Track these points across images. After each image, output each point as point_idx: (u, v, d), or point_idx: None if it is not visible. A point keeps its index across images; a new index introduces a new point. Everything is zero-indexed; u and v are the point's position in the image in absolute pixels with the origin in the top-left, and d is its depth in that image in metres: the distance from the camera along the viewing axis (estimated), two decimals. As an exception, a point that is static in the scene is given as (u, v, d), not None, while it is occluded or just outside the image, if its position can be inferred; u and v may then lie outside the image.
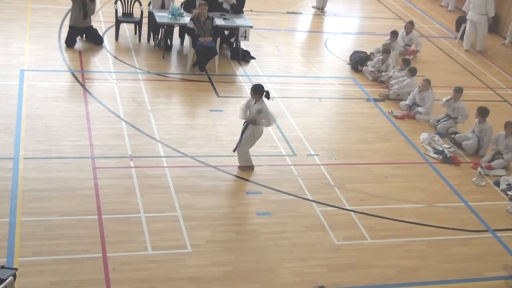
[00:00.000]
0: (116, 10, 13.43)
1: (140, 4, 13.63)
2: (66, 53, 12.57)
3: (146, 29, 13.66)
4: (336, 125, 11.56)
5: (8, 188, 8.44)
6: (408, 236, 8.73)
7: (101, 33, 13.45)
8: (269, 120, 9.27)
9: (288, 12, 16.96)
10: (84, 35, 13.17)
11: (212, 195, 8.93)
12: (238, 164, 9.56)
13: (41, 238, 7.64)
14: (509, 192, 9.90)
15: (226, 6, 13.87)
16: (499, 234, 9.07)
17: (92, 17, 13.21)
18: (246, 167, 9.49)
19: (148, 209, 8.44)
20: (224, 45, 13.80)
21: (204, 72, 12.66)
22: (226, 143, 10.14)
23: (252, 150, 9.53)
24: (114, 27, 13.51)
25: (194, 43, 12.41)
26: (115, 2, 13.56)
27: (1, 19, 13.67)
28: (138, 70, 12.33)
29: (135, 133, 10.15)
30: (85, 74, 11.85)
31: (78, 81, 11.55)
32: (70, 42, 12.83)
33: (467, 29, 15.98)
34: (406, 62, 13.23)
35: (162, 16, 13.05)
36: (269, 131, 10.36)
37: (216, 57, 12.66)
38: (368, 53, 14.09)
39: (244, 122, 9.27)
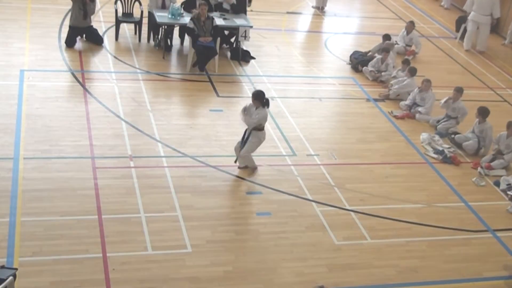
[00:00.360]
0: (116, 10, 13.43)
1: (140, 4, 13.63)
2: (66, 53, 12.57)
3: (146, 29, 13.67)
4: (336, 125, 11.56)
5: (8, 188, 8.44)
6: (408, 236, 8.73)
7: (101, 33, 13.45)
8: (254, 123, 9.06)
9: (288, 12, 16.96)
10: (84, 35, 13.17)
11: (212, 195, 8.93)
12: (238, 163, 9.56)
13: (41, 238, 7.64)
14: (509, 192, 9.90)
15: (226, 6, 13.88)
16: (499, 234, 9.07)
17: (92, 17, 13.21)
18: (251, 169, 9.44)
19: (148, 209, 8.44)
20: (224, 45, 13.81)
21: (204, 72, 12.66)
22: (226, 143, 10.15)
23: (252, 150, 9.54)
24: (114, 27, 13.52)
25: (194, 43, 12.41)
26: (115, 2, 13.56)
27: (1, 19, 13.67)
28: (138, 70, 12.33)
29: (135, 133, 10.15)
30: (85, 74, 11.85)
31: (78, 81, 11.55)
32: (70, 42, 12.83)
33: (468, 29, 15.97)
34: (406, 63, 13.23)
35: (162, 16, 13.05)
36: (269, 131, 10.35)
37: (216, 57, 12.66)
38: (366, 52, 14.11)
39: (246, 128, 9.20)
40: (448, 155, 10.80)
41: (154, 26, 13.33)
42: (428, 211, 9.38)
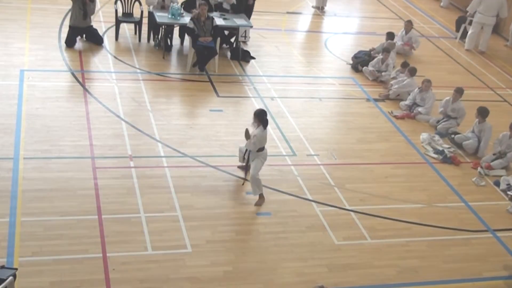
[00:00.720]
0: (116, 10, 13.43)
1: (140, 4, 13.63)
2: (66, 53, 12.57)
3: (146, 29, 13.67)
4: (336, 125, 11.56)
5: (8, 188, 8.44)
6: (408, 236, 8.73)
7: (101, 33, 13.45)
8: (254, 147, 8.78)
9: (288, 12, 16.96)
10: (84, 35, 13.17)
11: (212, 195, 8.92)
12: (237, 164, 9.55)
13: (41, 238, 7.64)
14: (509, 192, 9.90)
15: (226, 6, 13.88)
16: (499, 234, 9.07)
17: (92, 17, 13.21)
18: (260, 199, 8.90)
19: (148, 209, 8.44)
20: (224, 45, 13.81)
21: (204, 72, 12.66)
22: (226, 143, 10.15)
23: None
24: (114, 27, 13.52)
25: (194, 43, 12.41)
26: (115, 2, 13.56)
27: (1, 19, 13.67)
28: (138, 70, 12.33)
29: (135, 133, 10.15)
30: (85, 74, 11.85)
31: (78, 81, 11.55)
32: (70, 42, 12.83)
33: (472, 30, 15.90)
34: (405, 65, 13.22)
35: (162, 16, 13.05)
36: (269, 131, 10.33)
37: (216, 57, 12.66)
38: (369, 50, 14.11)
39: (246, 150, 9.00)
40: (448, 155, 10.80)
41: (154, 26, 13.33)
42: (428, 211, 9.38)
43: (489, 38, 16.14)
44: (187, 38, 13.14)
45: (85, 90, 11.26)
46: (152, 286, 7.20)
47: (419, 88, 12.26)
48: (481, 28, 15.90)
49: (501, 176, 10.44)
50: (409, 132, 11.54)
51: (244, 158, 9.13)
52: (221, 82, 12.37)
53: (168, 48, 13.30)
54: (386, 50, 13.52)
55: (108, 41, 13.43)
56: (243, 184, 9.26)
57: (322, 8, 17.52)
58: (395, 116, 12.01)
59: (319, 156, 10.30)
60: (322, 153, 10.37)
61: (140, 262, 7.51)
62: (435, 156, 10.84)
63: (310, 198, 9.20)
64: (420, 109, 12.06)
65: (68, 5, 13.35)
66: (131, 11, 13.68)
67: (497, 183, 10.31)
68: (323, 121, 11.54)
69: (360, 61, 13.84)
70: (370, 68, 13.47)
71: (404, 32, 15.08)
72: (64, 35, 13.08)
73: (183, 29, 13.30)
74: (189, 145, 10.03)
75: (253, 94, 12.07)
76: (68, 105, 10.72)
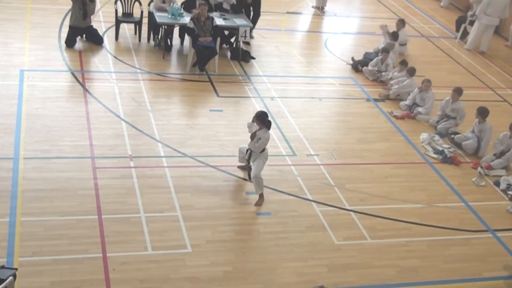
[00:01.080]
0: (116, 10, 13.43)
1: (140, 4, 13.63)
2: (66, 53, 12.57)
3: (146, 29, 13.67)
4: (336, 125, 11.56)
5: (8, 188, 8.44)
6: (408, 236, 8.73)
7: (101, 33, 13.45)
8: (258, 149, 8.80)
9: (288, 12, 16.96)
10: (84, 35, 13.17)
11: (212, 195, 8.92)
12: (237, 164, 9.55)
13: (41, 238, 7.64)
14: (509, 192, 9.91)
15: (226, 6, 13.88)
16: (499, 234, 9.07)
17: (92, 17, 13.21)
18: (260, 199, 8.90)
19: (148, 209, 8.44)
20: (224, 45, 13.81)
21: (204, 72, 12.66)
22: (226, 143, 10.15)
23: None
24: (114, 27, 13.52)
25: (194, 43, 12.41)
26: (115, 2, 13.56)
27: (1, 19, 13.67)
28: (138, 70, 12.33)
29: (135, 133, 10.15)
30: (85, 74, 11.85)
31: (78, 81, 11.55)
32: (70, 42, 12.83)
33: (477, 31, 15.80)
34: (403, 64, 13.21)
35: (162, 16, 13.05)
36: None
37: (216, 57, 12.66)
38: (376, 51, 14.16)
39: (247, 150, 9.03)
40: (448, 155, 10.80)
41: (154, 26, 13.33)
42: (428, 211, 9.38)
43: (491, 39, 16.15)
44: (187, 38, 13.14)
45: (85, 90, 11.26)
46: (152, 286, 7.20)
47: (419, 88, 12.26)
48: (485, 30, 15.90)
49: (501, 176, 10.44)
50: (409, 132, 11.54)
51: (245, 159, 9.13)
52: (221, 82, 12.38)
53: (168, 48, 13.29)
54: (385, 50, 13.53)
55: (108, 41, 13.43)
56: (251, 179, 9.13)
57: (322, 8, 17.52)
58: (395, 116, 12.01)
59: (319, 156, 10.30)
60: (322, 153, 10.37)
61: (140, 262, 7.51)
62: (435, 156, 10.84)
63: (310, 198, 9.20)
64: (420, 109, 12.07)
65: (68, 5, 13.35)
66: (131, 11, 13.68)
67: (497, 183, 10.31)
68: (323, 121, 11.54)
69: (360, 61, 13.84)
70: (370, 68, 13.48)
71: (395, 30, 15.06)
72: (64, 35, 13.08)
73: (183, 29, 13.30)
74: (189, 145, 10.03)
75: (253, 94, 12.07)
76: (68, 105, 10.72)
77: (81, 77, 11.70)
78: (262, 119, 8.77)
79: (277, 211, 8.80)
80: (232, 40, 13.83)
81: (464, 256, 8.50)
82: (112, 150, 9.61)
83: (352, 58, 14.08)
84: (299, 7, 17.60)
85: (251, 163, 9.02)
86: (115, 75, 11.98)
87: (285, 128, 10.95)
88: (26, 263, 7.21)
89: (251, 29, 14.00)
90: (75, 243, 7.64)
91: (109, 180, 8.91)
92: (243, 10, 14.09)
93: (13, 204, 8.14)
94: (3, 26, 13.35)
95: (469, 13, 16.56)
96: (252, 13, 14.39)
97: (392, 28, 14.82)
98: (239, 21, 13.43)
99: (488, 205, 9.76)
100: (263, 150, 8.86)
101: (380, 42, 14.81)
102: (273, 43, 14.62)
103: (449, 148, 11.06)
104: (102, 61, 12.49)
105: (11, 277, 6.17)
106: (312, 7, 17.58)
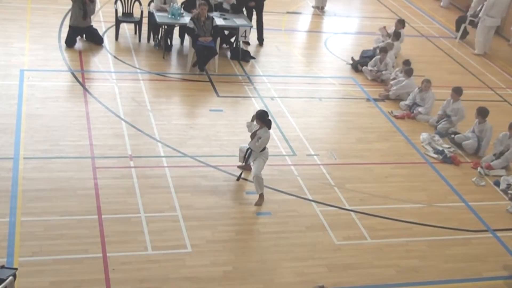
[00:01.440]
0: (116, 10, 13.43)
1: (140, 4, 13.63)
2: (66, 53, 12.57)
3: (146, 29, 13.67)
4: (336, 125, 11.56)
5: (8, 188, 8.44)
6: (408, 236, 8.73)
7: (101, 33, 13.45)
8: (258, 148, 8.81)
9: (288, 12, 16.97)
10: (84, 35, 13.18)
11: (212, 195, 8.93)
12: (237, 164, 9.54)
13: (41, 238, 7.64)
14: (509, 191, 9.91)
15: (226, 6, 13.88)
16: (499, 234, 9.07)
17: (92, 17, 13.21)
18: (260, 198, 8.91)
19: (148, 209, 8.44)
20: (224, 45, 13.81)
21: (204, 72, 12.66)
22: (226, 143, 10.15)
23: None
24: (114, 27, 13.52)
25: (194, 43, 12.41)
26: (115, 2, 13.56)
27: (1, 19, 13.68)
28: (138, 70, 12.33)
29: (135, 133, 10.15)
30: (85, 74, 11.85)
31: (78, 81, 11.55)
32: (70, 42, 12.83)
33: (484, 35, 15.73)
34: (406, 64, 13.18)
35: (162, 16, 13.05)
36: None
37: (216, 57, 12.66)
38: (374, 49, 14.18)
39: (248, 149, 9.04)
40: (448, 155, 10.80)
41: (154, 26, 13.33)
42: (428, 211, 9.38)
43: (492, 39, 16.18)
44: (187, 38, 13.14)
45: (85, 90, 11.26)
46: (152, 286, 7.20)
47: (419, 88, 12.26)
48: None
49: (501, 176, 10.44)
50: (409, 132, 11.54)
51: (244, 158, 9.14)
52: (221, 82, 12.38)
53: (168, 48, 13.30)
54: (383, 50, 13.52)
55: (108, 41, 13.44)
56: (238, 179, 9.24)
57: (322, 8, 17.52)
58: (395, 116, 12.01)
59: (319, 156, 10.30)
60: (322, 153, 10.37)
61: (140, 262, 7.51)
62: (435, 156, 10.84)
63: (310, 198, 9.20)
64: (420, 109, 12.06)
65: (68, 5, 13.35)
66: (131, 11, 13.68)
67: (497, 183, 10.31)
68: (323, 121, 11.54)
69: (360, 61, 13.84)
70: (369, 68, 13.48)
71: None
72: (64, 35, 13.09)
73: (183, 29, 13.30)
74: (189, 145, 10.03)
75: (253, 94, 12.08)
76: (68, 105, 10.72)
77: (81, 77, 11.70)
78: (263, 118, 8.79)
79: (277, 211, 8.80)
80: (232, 40, 13.84)
81: (464, 256, 8.50)
82: (112, 150, 9.61)
83: (352, 58, 14.09)
84: (299, 7, 17.60)
85: (251, 163, 9.03)
86: (115, 75, 11.99)
87: (285, 128, 10.95)
88: (26, 263, 7.21)
89: (260, 36, 14.09)
90: (75, 243, 7.64)
91: (109, 180, 8.91)
92: (243, 10, 14.11)
93: (13, 204, 8.14)
94: (3, 26, 13.35)
95: (469, 13, 16.57)
96: (256, 17, 14.34)
97: (392, 28, 14.82)
98: (239, 21, 13.44)
99: (488, 205, 9.76)
100: (264, 149, 8.87)
101: (379, 40, 14.82)
102: (273, 43, 14.62)
103: (449, 148, 11.06)
104: (102, 61, 12.49)
105: (11, 277, 6.17)
106: (312, 7, 17.58)
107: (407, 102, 12.32)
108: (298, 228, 8.53)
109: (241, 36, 13.29)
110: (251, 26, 13.53)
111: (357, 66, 13.78)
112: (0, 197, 8.24)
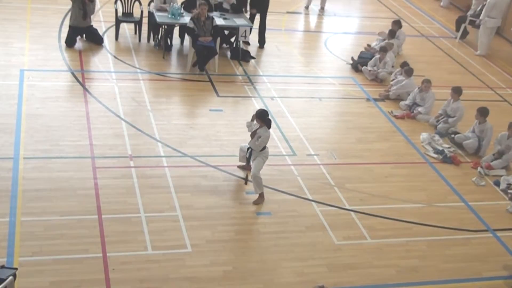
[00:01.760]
0: (116, 10, 13.43)
1: (140, 4, 13.63)
2: (66, 53, 12.58)
3: (146, 29, 13.67)
4: (336, 125, 11.56)
5: (8, 188, 8.44)
6: (408, 236, 8.73)
7: (101, 33, 13.45)
8: (258, 147, 8.79)
9: (288, 12, 16.97)
10: (84, 35, 13.18)
11: (212, 195, 8.93)
12: (237, 164, 9.54)
13: (41, 238, 7.64)
14: (509, 191, 9.90)
15: (226, 6, 13.88)
16: (499, 234, 9.07)
17: (92, 17, 13.21)
18: (260, 198, 8.92)
19: (148, 209, 8.44)
20: (224, 45, 13.81)
21: (204, 72, 12.67)
22: (226, 143, 10.15)
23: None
24: (114, 27, 13.52)
25: (194, 43, 12.41)
26: (115, 2, 13.56)
27: (1, 19, 13.68)
28: (138, 70, 12.33)
29: (135, 133, 10.15)
30: (85, 74, 11.85)
31: (78, 81, 11.55)
32: (70, 42, 12.83)
33: (486, 36, 15.74)
34: (406, 65, 13.17)
35: (162, 16, 13.05)
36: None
37: (216, 57, 12.66)
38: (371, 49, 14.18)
39: (248, 148, 9.04)
40: (448, 155, 10.80)
41: (154, 26, 13.33)
42: (428, 211, 9.38)
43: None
44: (187, 38, 13.14)
45: (85, 90, 11.26)
46: (152, 286, 7.20)
47: (419, 88, 12.26)
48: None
49: (501, 176, 10.44)
50: (409, 132, 11.54)
51: (246, 158, 9.13)
52: (221, 82, 12.38)
53: (168, 48, 13.30)
54: (382, 50, 13.52)
55: (108, 41, 13.44)
56: (246, 183, 9.25)
57: (322, 8, 17.53)
58: (395, 116, 12.01)
59: (319, 156, 10.30)
60: (322, 153, 10.37)
61: (140, 262, 7.51)
62: (435, 156, 10.84)
63: (310, 198, 9.20)
64: (420, 109, 12.07)
65: (68, 5, 13.35)
66: (131, 11, 13.69)
67: (497, 183, 10.31)
68: (323, 121, 11.54)
69: (359, 61, 13.84)
70: (369, 67, 13.48)
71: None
72: (64, 35, 13.09)
73: (183, 29, 13.30)
74: (189, 145, 10.03)
75: (253, 94, 12.08)
76: (68, 105, 10.72)
77: (81, 77, 11.70)
78: (262, 117, 8.79)
79: (277, 211, 8.80)
80: (232, 40, 13.84)
81: (464, 256, 8.50)
82: (112, 150, 9.61)
83: (352, 58, 14.09)
84: (299, 7, 17.60)
85: (251, 163, 9.03)
86: (115, 75, 11.99)
87: (285, 128, 10.95)
88: (26, 263, 7.21)
89: (261, 38, 14.08)
90: (75, 243, 7.64)
91: (109, 180, 8.91)
92: (243, 10, 14.12)
93: (13, 204, 8.14)
94: (3, 26, 13.35)
95: (469, 13, 16.56)
96: (259, 20, 14.32)
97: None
98: (239, 21, 13.44)
99: (488, 205, 9.76)
100: (264, 148, 8.86)
101: (379, 40, 14.82)
102: (273, 43, 14.62)
103: (449, 148, 11.06)
104: (102, 61, 12.49)
105: (11, 277, 6.17)
106: (305, 7, 17.53)
107: (407, 102, 12.32)
108: (298, 228, 8.53)
109: (241, 36, 13.30)
110: (251, 26, 13.53)
111: (357, 66, 13.78)
112: (0, 197, 8.24)
